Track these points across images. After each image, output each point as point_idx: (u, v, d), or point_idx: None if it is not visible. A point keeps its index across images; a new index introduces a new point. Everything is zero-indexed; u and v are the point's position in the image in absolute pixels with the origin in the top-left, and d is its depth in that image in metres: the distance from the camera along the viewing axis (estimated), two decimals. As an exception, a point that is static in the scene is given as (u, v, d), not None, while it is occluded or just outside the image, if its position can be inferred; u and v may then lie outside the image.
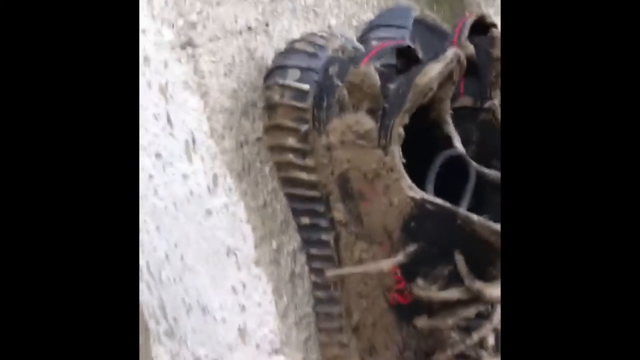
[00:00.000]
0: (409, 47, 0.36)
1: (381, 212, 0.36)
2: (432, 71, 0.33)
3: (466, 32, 0.41)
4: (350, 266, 0.37)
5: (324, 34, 0.39)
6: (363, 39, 0.47)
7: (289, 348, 0.41)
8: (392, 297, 0.38)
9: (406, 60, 0.38)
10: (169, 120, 0.43)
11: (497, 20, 0.47)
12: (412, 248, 0.35)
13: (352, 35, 0.50)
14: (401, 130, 0.34)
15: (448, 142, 0.39)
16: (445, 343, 0.38)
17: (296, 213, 0.40)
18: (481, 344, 0.40)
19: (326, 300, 0.40)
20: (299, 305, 0.42)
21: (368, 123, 0.35)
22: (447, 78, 0.35)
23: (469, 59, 0.42)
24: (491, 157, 0.46)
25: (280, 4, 0.46)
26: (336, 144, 0.37)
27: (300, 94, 0.37)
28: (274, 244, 0.42)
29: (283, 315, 0.41)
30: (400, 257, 0.35)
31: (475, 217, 0.33)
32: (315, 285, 0.40)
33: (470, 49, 0.41)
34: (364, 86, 0.35)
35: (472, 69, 0.43)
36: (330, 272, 0.37)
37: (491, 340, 0.41)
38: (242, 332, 0.43)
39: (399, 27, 0.45)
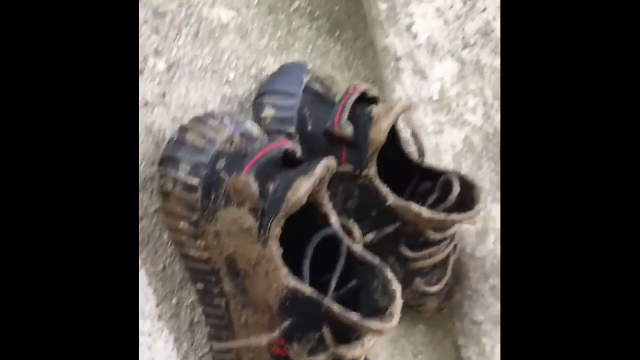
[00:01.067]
0: (286, 151, 0.40)
1: (263, 290, 0.42)
2: (302, 189, 0.38)
3: (347, 114, 0.45)
4: (238, 333, 0.43)
5: (214, 124, 0.42)
6: (257, 102, 0.50)
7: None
8: (274, 350, 0.45)
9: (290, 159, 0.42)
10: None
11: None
12: (287, 323, 0.42)
13: (251, 87, 0.52)
14: (277, 232, 0.40)
15: (325, 221, 0.44)
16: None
17: (192, 279, 0.45)
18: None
19: (219, 351, 0.46)
20: (198, 347, 0.48)
21: (249, 221, 0.40)
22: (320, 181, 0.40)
23: (349, 137, 0.47)
24: (370, 210, 0.52)
25: (177, 71, 0.48)
26: (223, 231, 0.41)
27: (191, 188, 0.41)
28: (174, 301, 0.47)
29: (184, 359, 0.48)
30: (276, 333, 0.41)
31: (336, 308, 0.39)
32: (210, 337, 0.47)
33: (349, 130, 0.45)
34: (244, 193, 0.39)
35: (354, 143, 0.48)
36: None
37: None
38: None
39: (290, 95, 0.48)
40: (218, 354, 0.46)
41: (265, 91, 0.49)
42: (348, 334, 0.43)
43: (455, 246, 0.58)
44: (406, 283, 0.57)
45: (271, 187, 0.40)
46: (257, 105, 0.49)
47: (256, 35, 0.53)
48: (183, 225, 0.42)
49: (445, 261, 0.56)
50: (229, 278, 0.43)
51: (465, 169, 0.62)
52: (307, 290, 0.40)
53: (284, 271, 0.41)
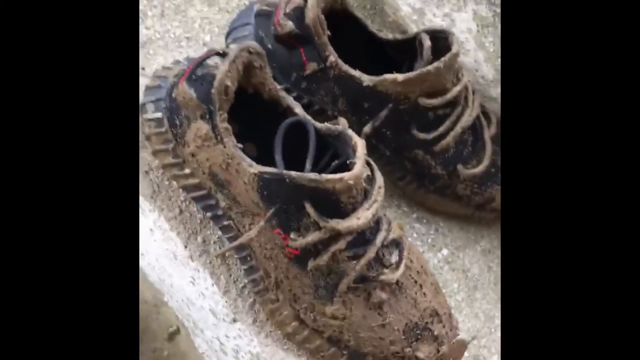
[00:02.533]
0: (217, 53, 0.43)
1: (244, 190, 0.44)
2: (219, 74, 0.40)
3: (282, 13, 0.47)
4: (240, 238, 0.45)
5: (168, 65, 0.47)
6: (227, 44, 0.54)
7: (240, 315, 0.50)
8: (287, 252, 0.45)
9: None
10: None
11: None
12: (271, 211, 0.42)
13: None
14: (226, 125, 0.42)
15: (290, 112, 0.45)
16: (343, 273, 0.44)
17: (202, 210, 0.49)
18: (381, 263, 0.46)
19: (249, 269, 0.48)
20: (236, 279, 0.50)
21: (204, 127, 0.43)
22: (248, 67, 0.42)
23: (294, 32, 0.48)
24: (360, 102, 0.51)
25: (151, 46, 0.54)
26: (195, 150, 0.45)
27: (158, 122, 0.46)
28: (199, 239, 0.51)
29: (225, 292, 0.50)
30: (262, 223, 0.42)
31: (294, 173, 0.39)
32: (240, 260, 0.49)
33: (289, 25, 0.47)
34: (187, 101, 0.42)
35: (306, 38, 0.49)
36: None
37: (393, 258, 0.47)
38: (213, 312, 0.52)
39: (245, 24, 0.51)
40: (247, 274, 0.48)
41: (229, 31, 0.53)
42: (337, 209, 0.42)
43: (483, 114, 0.53)
44: (451, 176, 0.53)
45: (211, 89, 0.42)
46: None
47: (223, -1, 0.58)
48: (168, 158, 0.46)
49: (475, 133, 0.52)
50: (219, 192, 0.45)
51: (489, 44, 0.58)
52: (271, 169, 0.41)
53: (247, 160, 0.42)
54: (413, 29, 0.63)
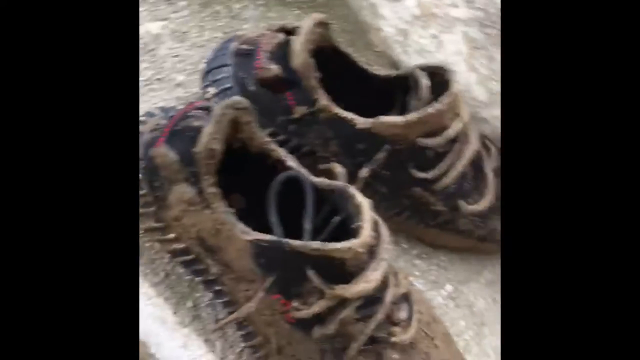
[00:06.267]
0: (197, 107, 0.39)
1: (237, 257, 0.40)
2: (204, 137, 0.35)
3: (264, 56, 0.43)
4: (240, 309, 0.41)
5: (142, 118, 0.42)
6: (203, 87, 0.49)
7: (239, 382, 0.46)
8: (288, 317, 0.41)
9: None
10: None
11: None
12: (270, 279, 0.38)
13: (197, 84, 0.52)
14: (214, 190, 0.37)
15: (285, 167, 0.41)
16: (351, 337, 0.41)
17: (191, 274, 0.44)
18: (391, 321, 0.43)
19: (246, 335, 0.44)
20: (233, 344, 0.46)
21: (188, 191, 0.39)
22: (235, 124, 0.38)
23: (280, 75, 0.44)
24: (352, 145, 0.47)
25: (119, 92, 0.49)
26: (179, 214, 0.40)
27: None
28: (189, 304, 0.46)
29: (222, 358, 0.46)
30: (260, 294, 0.38)
31: (295, 242, 0.36)
32: (236, 326, 0.45)
33: (273, 68, 0.43)
34: (166, 164, 0.38)
35: (292, 80, 0.45)
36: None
37: (402, 314, 0.44)
38: (208, 378, 0.49)
39: (222, 66, 0.47)
40: (245, 340, 0.44)
41: (204, 73, 0.48)
42: (342, 273, 0.39)
43: (485, 149, 0.50)
44: (453, 211, 0.50)
45: (193, 149, 0.38)
46: (203, 92, 0.49)
47: (195, 32, 0.53)
48: (149, 223, 0.42)
49: (477, 167, 0.49)
50: (209, 258, 0.41)
51: (480, 65, 0.55)
52: (267, 237, 0.37)
53: (239, 227, 0.38)
54: (397, 50, 0.60)
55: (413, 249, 0.56)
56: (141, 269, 0.45)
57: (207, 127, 0.36)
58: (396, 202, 0.50)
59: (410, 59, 0.55)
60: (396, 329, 0.42)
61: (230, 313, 0.44)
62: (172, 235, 0.42)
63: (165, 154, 0.38)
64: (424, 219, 0.52)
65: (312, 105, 0.44)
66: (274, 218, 0.39)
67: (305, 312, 0.39)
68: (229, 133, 0.37)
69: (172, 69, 0.52)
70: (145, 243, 0.46)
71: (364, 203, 0.37)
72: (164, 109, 0.44)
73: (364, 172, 0.46)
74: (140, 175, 0.41)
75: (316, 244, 0.35)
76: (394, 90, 0.47)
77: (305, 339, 0.42)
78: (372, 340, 0.41)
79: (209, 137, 0.36)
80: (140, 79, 0.50)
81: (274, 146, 0.41)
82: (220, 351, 0.46)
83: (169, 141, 0.38)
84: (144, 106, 0.49)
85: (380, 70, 0.48)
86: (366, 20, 0.61)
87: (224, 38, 0.54)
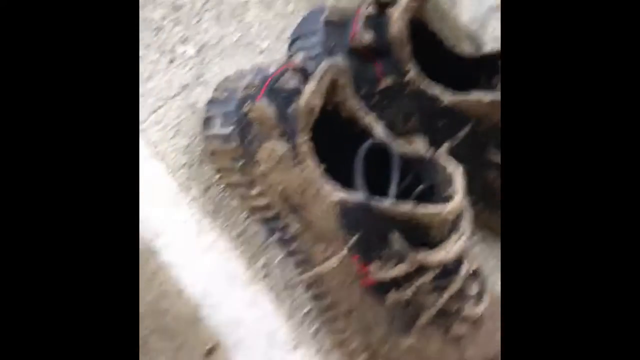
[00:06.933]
0: (295, 69, 0.40)
1: (321, 216, 0.41)
2: (307, 92, 0.37)
3: (361, 24, 0.44)
4: (319, 267, 0.42)
5: (234, 76, 0.44)
6: (289, 54, 0.50)
7: (303, 342, 0.47)
8: (362, 282, 0.42)
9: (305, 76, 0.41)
10: (155, 184, 0.50)
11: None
12: (353, 240, 0.39)
13: (284, 51, 0.53)
14: (306, 147, 0.39)
15: (369, 132, 0.42)
16: (423, 307, 0.42)
17: (267, 232, 0.46)
18: (463, 295, 0.43)
19: (316, 296, 0.45)
20: (300, 305, 0.47)
21: (280, 148, 0.40)
22: (333, 85, 0.39)
23: (373, 45, 0.45)
24: (435, 121, 0.48)
25: (207, 52, 0.51)
26: (267, 170, 0.42)
27: (226, 138, 0.42)
28: (262, 261, 0.48)
29: (289, 317, 0.47)
30: (344, 252, 0.39)
31: (384, 203, 0.36)
32: (306, 286, 0.46)
33: (367, 37, 0.43)
34: (264, 119, 0.39)
35: (383, 51, 0.46)
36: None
37: (474, 289, 0.44)
38: (270, 336, 0.50)
39: (311, 34, 0.48)
40: (314, 301, 0.45)
41: (290, 42, 0.49)
42: (424, 240, 0.39)
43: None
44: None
45: (290, 108, 0.39)
46: (289, 58, 0.50)
47: (280, 3, 0.54)
48: (235, 177, 0.43)
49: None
50: (291, 216, 0.42)
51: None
52: (356, 196, 0.38)
53: (328, 186, 0.39)
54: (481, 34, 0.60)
55: (474, 235, 0.57)
56: (219, 222, 0.47)
57: (310, 83, 0.37)
58: (467, 184, 0.51)
59: (496, 44, 0.55)
60: (467, 304, 0.43)
61: (303, 273, 0.45)
62: (256, 191, 0.43)
63: (264, 108, 0.39)
64: (490, 205, 0.52)
65: (401, 76, 0.45)
66: (360, 181, 0.40)
67: (384, 275, 0.39)
68: (327, 94, 0.39)
69: (257, 35, 0.53)
70: (226, 198, 0.47)
71: (457, 172, 0.38)
72: (255, 69, 0.45)
73: (443, 148, 0.46)
74: (229, 130, 0.43)
75: (406, 206, 0.36)
76: (479, 72, 0.48)
77: (376, 304, 0.43)
78: (442, 312, 0.42)
79: (311, 93, 0.37)
80: (227, 42, 0.51)
81: (364, 112, 0.42)
82: (288, 310, 0.47)
83: (266, 98, 0.39)
84: (229, 70, 0.51)
85: (465, 51, 0.49)
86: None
87: (308, 10, 0.55)
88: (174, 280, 0.50)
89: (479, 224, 0.57)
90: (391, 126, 0.50)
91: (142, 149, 0.47)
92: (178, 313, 0.52)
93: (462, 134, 0.46)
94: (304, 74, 0.41)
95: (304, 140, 0.38)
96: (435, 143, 0.48)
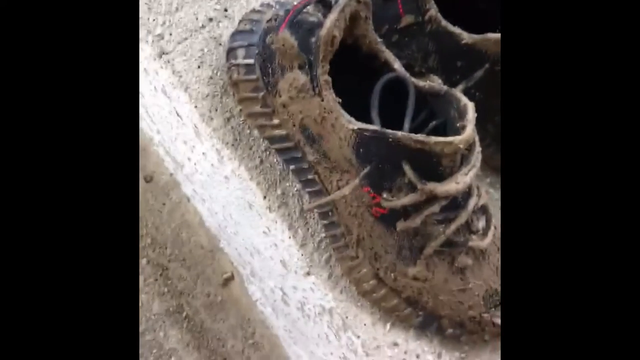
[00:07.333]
0: (317, 1, 0.41)
1: (337, 146, 0.42)
2: (328, 22, 0.38)
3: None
4: (332, 194, 0.44)
5: (260, 8, 0.45)
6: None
7: (315, 269, 0.49)
8: (374, 210, 0.44)
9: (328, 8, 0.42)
10: (177, 114, 0.52)
11: None
12: (366, 170, 0.41)
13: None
14: (327, 77, 0.40)
15: (388, 67, 0.43)
16: (430, 237, 0.44)
17: (285, 163, 0.48)
18: (469, 228, 0.45)
19: (329, 225, 0.47)
20: (314, 234, 0.50)
21: (301, 78, 0.41)
22: (354, 18, 0.40)
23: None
24: (453, 60, 0.48)
25: (233, -14, 0.52)
26: (287, 100, 0.43)
27: (249, 68, 0.44)
28: (279, 191, 0.50)
29: (302, 245, 0.49)
30: (356, 181, 0.41)
31: (399, 133, 0.38)
32: (319, 215, 0.48)
33: (390, -26, 0.44)
34: (286, 49, 0.40)
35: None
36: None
37: (480, 224, 0.46)
38: (284, 263, 0.52)
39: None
40: (327, 229, 0.47)
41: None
42: (436, 170, 0.41)
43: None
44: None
45: (312, 40, 0.40)
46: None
47: (307, -60, 0.55)
48: (256, 107, 0.45)
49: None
50: (308, 146, 0.44)
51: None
52: (372, 127, 0.40)
53: (346, 116, 0.41)
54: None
55: (487, 177, 0.58)
56: (238, 152, 0.49)
57: (332, 14, 0.38)
58: (481, 125, 0.52)
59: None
60: (473, 236, 0.45)
61: (317, 201, 0.48)
62: (276, 121, 0.45)
63: (287, 38, 0.40)
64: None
65: (421, 15, 0.46)
66: (375, 114, 0.41)
67: (395, 203, 0.41)
68: (348, 26, 0.40)
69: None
70: (246, 129, 0.49)
71: (470, 105, 0.39)
72: (280, 2, 0.46)
73: (459, 88, 0.47)
74: (252, 61, 0.44)
75: (420, 136, 0.38)
76: (495, 16, 0.48)
77: (386, 233, 0.45)
78: (449, 243, 0.44)
79: (333, 24, 0.38)
80: (253, -23, 0.52)
81: (383, 47, 0.43)
82: (301, 238, 0.49)
83: (289, 28, 0.41)
84: (254, 2, 0.52)
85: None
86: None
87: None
88: (194, 211, 0.53)
89: (490, 167, 0.58)
90: (410, 65, 0.51)
91: (168, 77, 0.49)
92: (197, 242, 0.54)
93: (478, 74, 0.47)
94: (327, 6, 0.42)
95: (323, 71, 0.40)
96: (452, 84, 0.50)
